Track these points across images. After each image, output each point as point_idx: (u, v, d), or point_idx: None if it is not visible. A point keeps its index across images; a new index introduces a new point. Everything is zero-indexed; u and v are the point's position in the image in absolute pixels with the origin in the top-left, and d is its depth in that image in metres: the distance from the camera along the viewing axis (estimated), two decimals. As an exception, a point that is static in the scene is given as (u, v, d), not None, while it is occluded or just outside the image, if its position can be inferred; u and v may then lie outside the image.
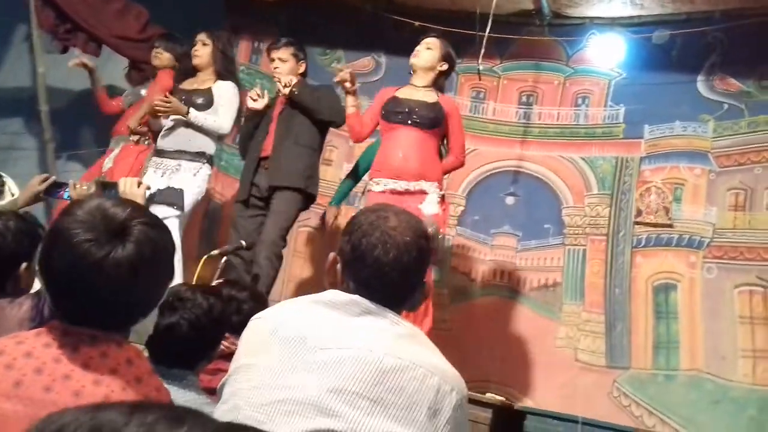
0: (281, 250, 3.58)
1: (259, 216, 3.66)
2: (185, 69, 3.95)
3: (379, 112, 3.39)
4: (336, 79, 3.36)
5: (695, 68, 4.35)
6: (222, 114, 3.69)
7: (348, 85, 3.31)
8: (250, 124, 3.82)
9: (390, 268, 1.34)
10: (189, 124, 3.63)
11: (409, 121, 3.27)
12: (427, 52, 3.38)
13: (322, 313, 1.34)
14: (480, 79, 4.63)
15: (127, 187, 2.15)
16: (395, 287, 1.37)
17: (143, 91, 4.29)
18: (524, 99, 4.79)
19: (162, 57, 4.14)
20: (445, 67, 3.41)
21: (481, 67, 4.18)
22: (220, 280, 2.38)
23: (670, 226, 4.19)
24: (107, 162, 4.07)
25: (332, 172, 4.88)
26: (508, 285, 4.49)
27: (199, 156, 3.69)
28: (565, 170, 4.56)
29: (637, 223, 4.28)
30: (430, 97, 3.35)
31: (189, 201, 3.49)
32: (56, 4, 4.07)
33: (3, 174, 1.80)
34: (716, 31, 4.24)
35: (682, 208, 4.21)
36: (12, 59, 5.39)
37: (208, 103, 3.71)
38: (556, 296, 4.36)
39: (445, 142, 3.47)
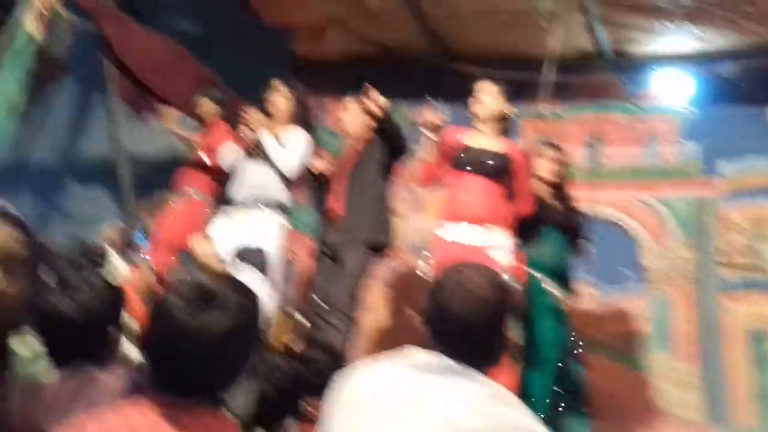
0: (354, 309, 3.49)
1: (330, 272, 3.59)
2: (231, 116, 4.05)
3: (448, 159, 3.36)
4: (422, 121, 3.28)
5: (765, 100, 4.23)
6: (289, 152, 3.64)
7: (432, 132, 3.25)
8: (319, 183, 3.83)
9: (470, 324, 1.33)
10: (261, 173, 3.64)
11: (478, 170, 3.25)
12: (490, 99, 3.35)
13: (405, 373, 1.33)
14: (544, 123, 4.60)
15: (199, 246, 2.20)
16: (477, 344, 1.35)
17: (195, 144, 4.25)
18: (590, 141, 4.73)
19: (207, 105, 4.20)
20: (509, 110, 3.38)
21: (544, 111, 4.16)
22: (299, 339, 2.39)
23: (760, 268, 3.99)
24: (166, 217, 4.09)
25: (397, 223, 4.90)
26: (586, 334, 4.34)
27: (277, 207, 3.64)
28: (640, 212, 4.44)
29: (722, 264, 4.11)
30: (499, 145, 3.32)
31: (271, 260, 3.50)
32: (133, 74, 4.31)
33: (105, 245, 1.88)
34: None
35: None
36: (92, 128, 5.72)
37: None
38: (641, 345, 4.19)
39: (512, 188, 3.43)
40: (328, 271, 3.59)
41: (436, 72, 4.93)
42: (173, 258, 3.55)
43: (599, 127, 4.72)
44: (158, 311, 1.21)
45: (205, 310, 1.17)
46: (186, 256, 2.70)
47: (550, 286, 3.32)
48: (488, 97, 3.33)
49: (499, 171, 3.24)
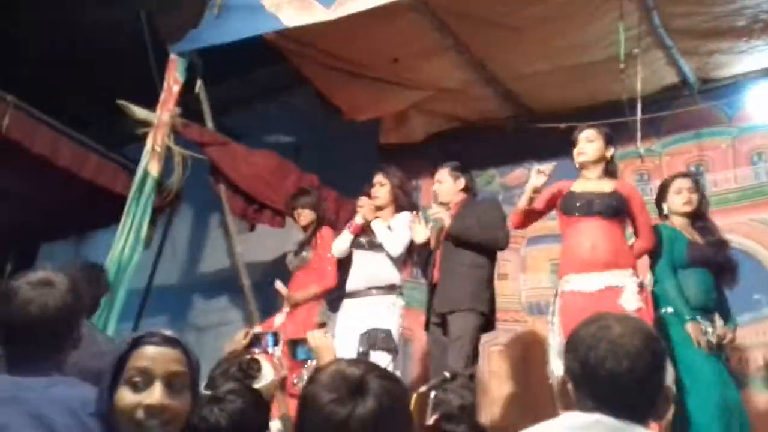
0: (471, 378, 3.40)
1: (441, 341, 3.64)
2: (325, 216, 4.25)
3: (555, 206, 3.35)
4: (531, 187, 3.29)
5: None
6: (397, 236, 3.81)
7: (536, 193, 3.28)
8: (423, 252, 3.91)
9: (627, 379, 1.29)
10: (372, 259, 3.81)
11: (592, 212, 3.22)
12: (590, 145, 3.31)
13: None
14: (642, 162, 4.51)
15: (316, 339, 2.27)
16: (637, 398, 1.31)
17: (305, 254, 4.28)
18: (693, 170, 4.59)
19: (304, 214, 4.29)
20: (611, 151, 3.35)
21: (639, 150, 4.09)
22: (436, 416, 2.41)
23: None
24: (279, 317, 4.16)
25: (510, 286, 4.87)
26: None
27: (390, 289, 3.80)
28: (760, 233, 4.22)
29: None
30: (607, 185, 3.27)
31: (397, 339, 3.60)
32: (242, 190, 4.64)
33: (259, 358, 2.01)
34: None
35: None
36: (210, 245, 6.14)
37: None
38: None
39: (630, 229, 3.37)
40: (440, 342, 3.63)
41: (521, 135, 4.99)
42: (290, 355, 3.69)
43: (700, 155, 4.58)
44: (306, 406, 1.21)
45: (353, 398, 1.17)
46: (302, 350, 2.81)
47: (698, 323, 3.16)
48: (587, 144, 3.31)
49: (613, 210, 3.19)
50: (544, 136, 4.86)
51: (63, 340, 1.59)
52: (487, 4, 3.82)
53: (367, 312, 3.74)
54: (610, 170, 3.34)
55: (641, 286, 3.17)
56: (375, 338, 3.57)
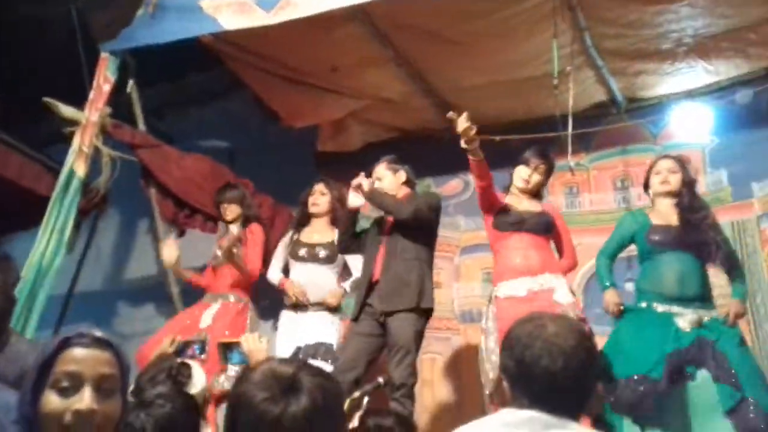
0: (412, 387, 3.39)
1: (373, 339, 3.47)
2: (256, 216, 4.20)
3: (492, 219, 3.45)
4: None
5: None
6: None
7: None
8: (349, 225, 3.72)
9: (562, 377, 1.33)
10: (316, 274, 3.81)
11: (524, 228, 3.33)
12: (535, 176, 3.47)
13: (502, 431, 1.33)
14: (573, 175, 4.66)
15: (251, 343, 2.24)
16: (571, 395, 1.35)
17: (235, 250, 4.11)
18: (619, 184, 4.77)
19: (230, 209, 4.26)
20: (545, 184, 3.58)
21: (569, 164, 4.23)
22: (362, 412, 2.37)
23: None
24: (206, 318, 4.02)
25: (443, 294, 4.91)
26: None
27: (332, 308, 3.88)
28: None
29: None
30: (536, 206, 3.43)
31: (335, 351, 3.59)
32: (173, 193, 4.51)
33: (190, 363, 1.94)
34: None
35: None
36: (137, 251, 5.93)
37: (333, 256, 3.90)
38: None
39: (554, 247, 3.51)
40: (369, 334, 3.48)
41: (457, 146, 5.05)
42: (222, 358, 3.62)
43: (626, 170, 4.77)
44: (238, 405, 1.20)
45: (286, 396, 1.17)
46: (232, 353, 2.74)
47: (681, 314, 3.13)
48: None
49: (544, 228, 3.38)
50: (480, 148, 4.95)
51: None
52: (427, 18, 3.87)
53: (308, 326, 3.74)
54: (540, 194, 3.52)
55: (571, 289, 3.31)
56: (316, 350, 3.58)
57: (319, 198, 4.05)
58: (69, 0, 4.61)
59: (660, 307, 3.17)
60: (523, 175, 3.49)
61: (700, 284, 3.20)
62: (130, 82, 4.41)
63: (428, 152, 5.17)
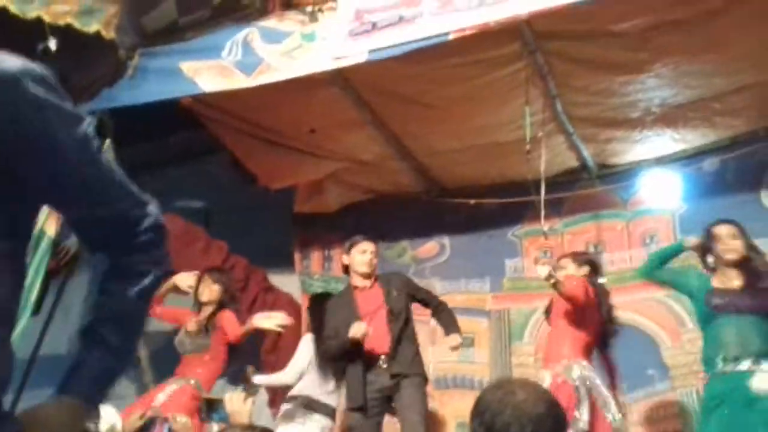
0: None
1: (377, 416, 3.69)
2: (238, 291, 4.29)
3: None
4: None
5: (754, 185, 4.37)
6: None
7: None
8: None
9: None
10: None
11: None
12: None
13: None
14: (546, 239, 4.71)
15: (234, 403, 2.22)
16: None
17: (202, 340, 4.03)
18: (592, 249, 4.83)
19: (212, 288, 4.09)
20: None
21: (543, 228, 4.28)
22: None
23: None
24: (160, 396, 3.86)
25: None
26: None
27: (328, 410, 4.08)
28: (653, 311, 4.45)
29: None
30: None
31: None
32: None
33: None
34: (766, 147, 4.32)
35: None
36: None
37: None
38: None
39: None
40: (374, 414, 3.69)
41: (433, 209, 5.12)
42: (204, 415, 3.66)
43: (598, 235, 4.84)
44: None
45: None
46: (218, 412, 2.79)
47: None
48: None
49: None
50: (456, 211, 5.02)
51: None
52: (405, 83, 3.97)
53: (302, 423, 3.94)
54: None
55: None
56: None
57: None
58: (47, 60, 4.65)
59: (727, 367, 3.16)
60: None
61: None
62: (107, 142, 4.41)
63: (404, 215, 5.23)
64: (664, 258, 3.64)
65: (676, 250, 3.67)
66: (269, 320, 3.89)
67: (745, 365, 3.12)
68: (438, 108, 4.14)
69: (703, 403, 3.30)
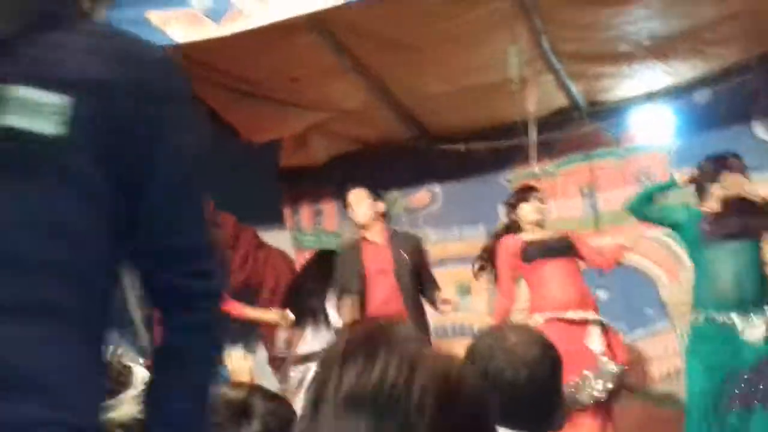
0: None
1: None
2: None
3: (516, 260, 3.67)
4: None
5: (746, 116, 4.29)
6: None
7: None
8: None
9: (526, 389, 1.29)
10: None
11: (552, 255, 3.63)
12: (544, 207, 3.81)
13: None
14: (539, 182, 4.63)
15: (234, 361, 2.21)
16: (536, 408, 1.31)
17: None
18: (585, 190, 4.76)
19: None
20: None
21: (535, 171, 4.21)
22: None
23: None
24: None
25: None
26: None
27: None
28: (650, 249, 4.40)
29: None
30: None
31: None
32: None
33: (131, 364, 1.78)
34: (759, 76, 4.21)
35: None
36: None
37: None
38: (681, 384, 4.03)
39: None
40: None
41: (422, 157, 5.03)
42: None
43: (591, 175, 4.76)
44: None
45: (238, 421, 1.17)
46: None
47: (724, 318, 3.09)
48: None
49: (567, 249, 3.58)
50: (445, 158, 4.92)
51: None
52: (386, 25, 3.83)
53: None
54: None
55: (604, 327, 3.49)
56: None
57: None
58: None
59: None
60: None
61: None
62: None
63: (394, 164, 5.13)
64: (653, 195, 3.58)
65: (667, 187, 3.61)
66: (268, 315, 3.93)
67: (737, 318, 3.07)
68: (421, 50, 4.01)
69: (691, 343, 3.26)
